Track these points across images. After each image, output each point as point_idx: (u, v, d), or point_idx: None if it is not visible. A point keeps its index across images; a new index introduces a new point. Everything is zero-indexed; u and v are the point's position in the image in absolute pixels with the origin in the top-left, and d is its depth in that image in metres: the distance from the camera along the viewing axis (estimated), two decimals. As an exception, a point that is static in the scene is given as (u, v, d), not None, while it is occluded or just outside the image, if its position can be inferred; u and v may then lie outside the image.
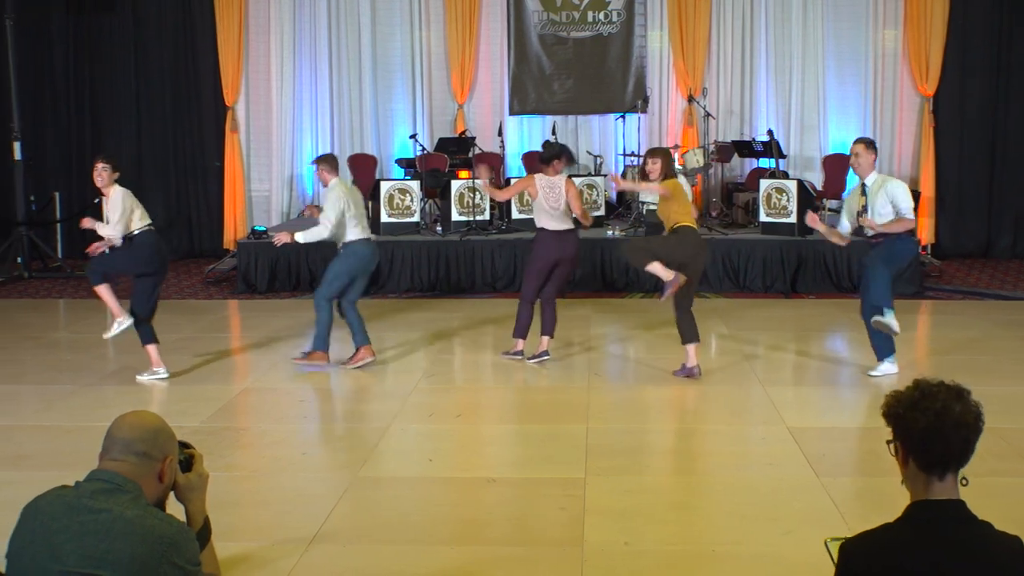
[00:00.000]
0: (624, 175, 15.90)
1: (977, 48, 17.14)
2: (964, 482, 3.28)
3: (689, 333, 9.63)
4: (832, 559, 3.37)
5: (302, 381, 9.78)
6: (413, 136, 16.38)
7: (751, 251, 14.35)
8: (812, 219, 9.74)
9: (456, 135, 16.94)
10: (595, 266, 14.20)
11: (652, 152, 9.92)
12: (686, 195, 9.79)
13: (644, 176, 9.96)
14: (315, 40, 17.89)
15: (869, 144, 9.58)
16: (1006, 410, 8.37)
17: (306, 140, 18.08)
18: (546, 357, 10.27)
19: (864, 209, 9.35)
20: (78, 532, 3.34)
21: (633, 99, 17.11)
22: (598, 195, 15.56)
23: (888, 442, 3.36)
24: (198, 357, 10.75)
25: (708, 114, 16.36)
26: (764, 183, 14.82)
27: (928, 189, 16.83)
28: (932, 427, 3.19)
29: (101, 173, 9.99)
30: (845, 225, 9.74)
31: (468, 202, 14.99)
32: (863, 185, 9.46)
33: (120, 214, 9.96)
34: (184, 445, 3.90)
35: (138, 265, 9.99)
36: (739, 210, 16.06)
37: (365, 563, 5.86)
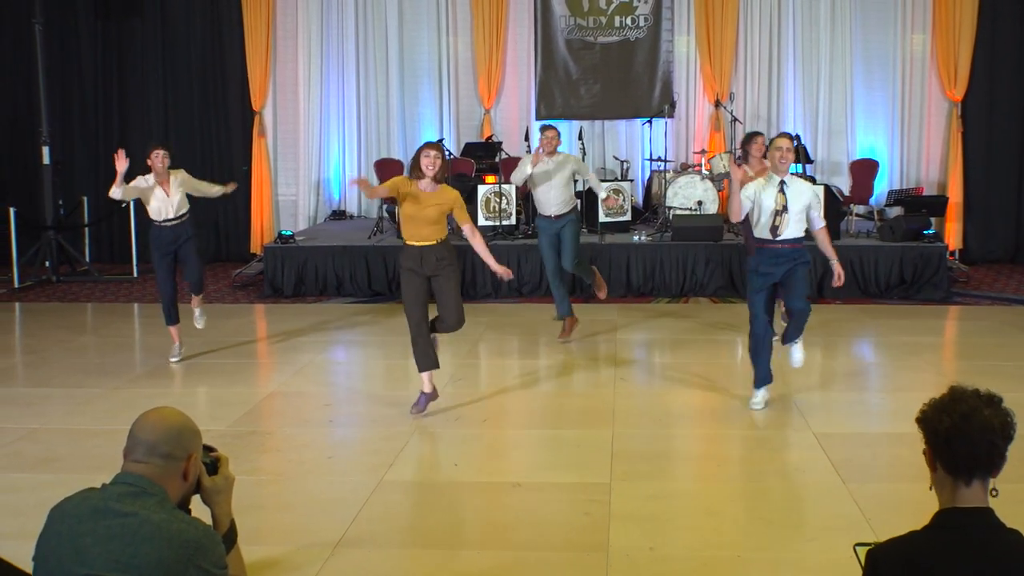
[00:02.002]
0: (652, 181, 15.87)
1: (1006, 53, 17.05)
2: (994, 493, 3.27)
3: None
4: (860, 564, 3.35)
5: (328, 385, 9.81)
6: (439, 141, 16.38)
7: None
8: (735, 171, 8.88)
9: (483, 140, 16.95)
10: (621, 271, 14.19)
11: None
12: None
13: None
14: (342, 45, 17.95)
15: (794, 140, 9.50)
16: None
17: (333, 145, 18.14)
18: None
19: (784, 208, 8.68)
20: (104, 536, 3.35)
21: (660, 104, 17.09)
22: (625, 200, 15.54)
23: (924, 452, 3.36)
24: (225, 360, 10.80)
25: (735, 119, 16.33)
26: (791, 188, 14.75)
27: (956, 194, 16.76)
28: (957, 427, 3.19)
29: (164, 159, 10.80)
30: (747, 205, 8.72)
31: (494, 207, 15.00)
32: (782, 182, 8.69)
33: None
34: (209, 448, 3.91)
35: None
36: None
37: (391, 567, 5.88)
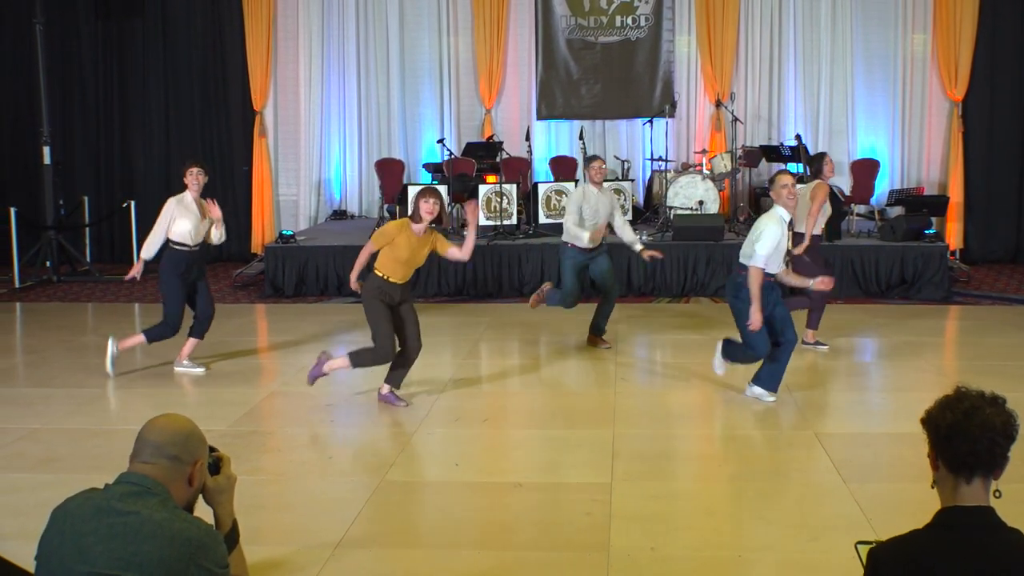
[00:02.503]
0: (653, 181, 15.93)
1: (1006, 53, 17.05)
2: (997, 494, 3.28)
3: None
4: (861, 563, 3.36)
5: (328, 385, 9.80)
6: (441, 141, 16.41)
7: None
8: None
9: (484, 140, 16.95)
10: (621, 271, 14.18)
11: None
12: None
13: None
14: (343, 45, 17.96)
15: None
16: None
17: (334, 145, 18.15)
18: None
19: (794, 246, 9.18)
20: (106, 534, 3.35)
21: (661, 104, 17.08)
22: (626, 199, 15.55)
23: (928, 454, 3.37)
24: (226, 360, 10.80)
25: (736, 119, 16.32)
26: (792, 188, 14.75)
27: (957, 194, 16.76)
28: (958, 424, 3.20)
29: (199, 176, 10.30)
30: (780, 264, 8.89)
31: (495, 207, 15.02)
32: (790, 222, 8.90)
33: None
34: (210, 448, 3.92)
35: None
36: (766, 215, 16.03)
37: (392, 567, 5.88)
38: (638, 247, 11.13)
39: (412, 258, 8.90)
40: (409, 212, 9.32)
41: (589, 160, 11.01)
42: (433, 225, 8.92)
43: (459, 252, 9.22)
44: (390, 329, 8.84)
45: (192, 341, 10.37)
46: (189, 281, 10.10)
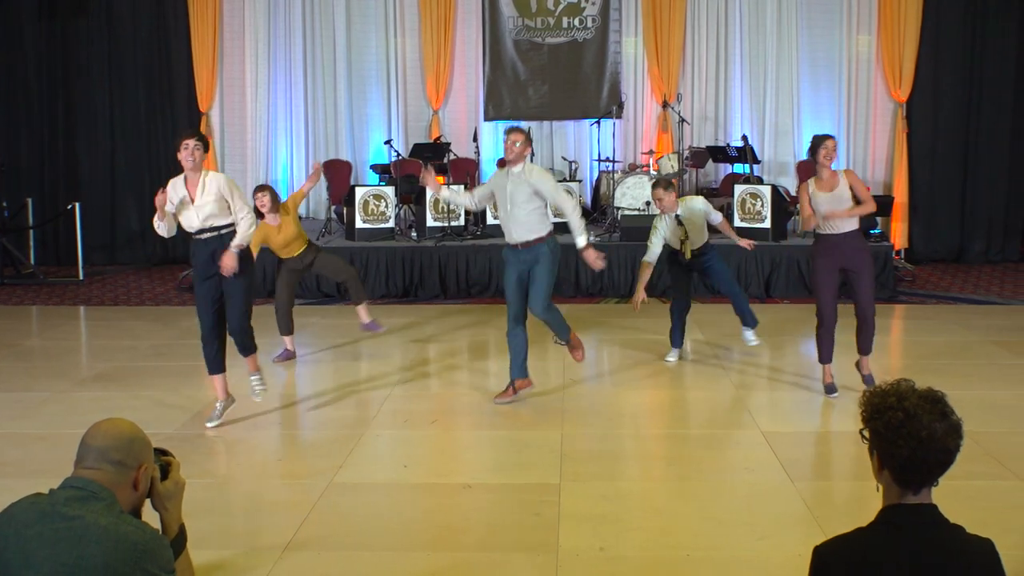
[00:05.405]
0: (601, 182, 15.99)
1: (950, 54, 17.22)
2: (935, 483, 3.29)
3: None
4: None
5: (275, 388, 9.76)
6: (388, 142, 16.37)
7: (725, 256, 14.23)
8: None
9: (431, 141, 16.92)
10: (569, 271, 14.22)
11: None
12: None
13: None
14: (290, 45, 17.88)
15: (668, 185, 10.44)
16: (978, 414, 8.44)
17: (280, 145, 18.06)
18: None
19: (687, 236, 10.37)
20: (51, 539, 3.33)
21: (608, 105, 17.13)
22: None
23: (861, 432, 3.36)
24: (171, 363, 10.73)
25: (683, 120, 16.40)
26: (739, 188, 14.87)
27: (901, 194, 16.92)
28: (915, 456, 3.18)
29: (194, 152, 8.33)
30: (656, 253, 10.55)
31: (443, 208, 15.01)
32: (677, 216, 10.33)
33: (244, 201, 8.46)
34: (162, 452, 3.89)
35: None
36: (714, 215, 16.12)
37: (340, 570, 5.86)
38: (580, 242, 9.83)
39: (285, 239, 10.78)
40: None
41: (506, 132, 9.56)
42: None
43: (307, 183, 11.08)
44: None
45: (247, 359, 8.82)
46: (210, 275, 8.36)
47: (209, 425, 8.57)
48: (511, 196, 8.88)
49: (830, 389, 9.21)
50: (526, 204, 8.85)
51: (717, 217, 10.65)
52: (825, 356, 9.20)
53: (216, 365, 8.58)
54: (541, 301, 8.94)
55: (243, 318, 8.50)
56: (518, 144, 8.88)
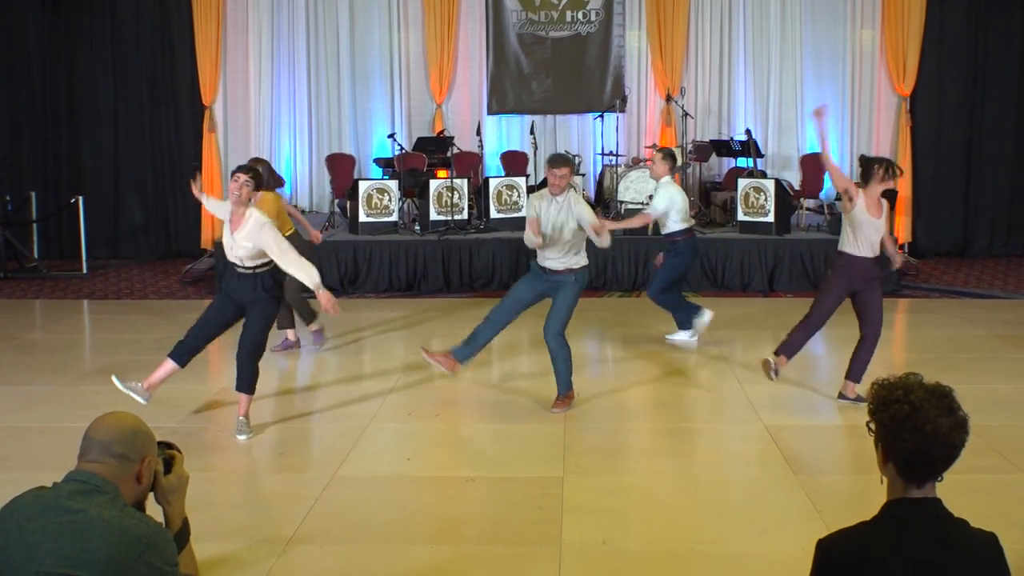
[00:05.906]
0: (604, 176, 15.99)
1: (954, 48, 17.22)
2: (939, 478, 3.29)
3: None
4: None
5: (279, 382, 9.76)
6: (391, 136, 16.35)
7: (729, 250, 14.39)
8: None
9: (434, 135, 16.94)
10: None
11: None
12: None
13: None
14: (293, 40, 17.88)
15: (667, 156, 10.89)
16: (981, 408, 8.39)
17: (284, 139, 18.07)
18: None
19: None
20: (54, 532, 3.33)
21: (611, 99, 17.13)
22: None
23: (867, 424, 3.36)
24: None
25: (686, 113, 16.39)
26: (742, 182, 14.87)
27: (905, 189, 16.90)
28: (920, 449, 3.19)
29: (242, 187, 7.97)
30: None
31: (446, 201, 15.00)
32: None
33: (280, 248, 8.03)
34: (166, 445, 3.90)
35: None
36: (717, 209, 16.13)
37: (343, 563, 5.86)
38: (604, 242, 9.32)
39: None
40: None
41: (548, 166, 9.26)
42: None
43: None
44: None
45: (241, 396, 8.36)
46: (234, 300, 8.28)
47: (116, 382, 8.22)
48: (555, 223, 8.78)
49: (771, 371, 8.91)
50: (571, 234, 8.82)
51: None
52: (789, 350, 9.05)
53: (179, 355, 8.30)
54: (557, 326, 8.84)
55: (251, 355, 8.18)
56: (566, 178, 8.84)
